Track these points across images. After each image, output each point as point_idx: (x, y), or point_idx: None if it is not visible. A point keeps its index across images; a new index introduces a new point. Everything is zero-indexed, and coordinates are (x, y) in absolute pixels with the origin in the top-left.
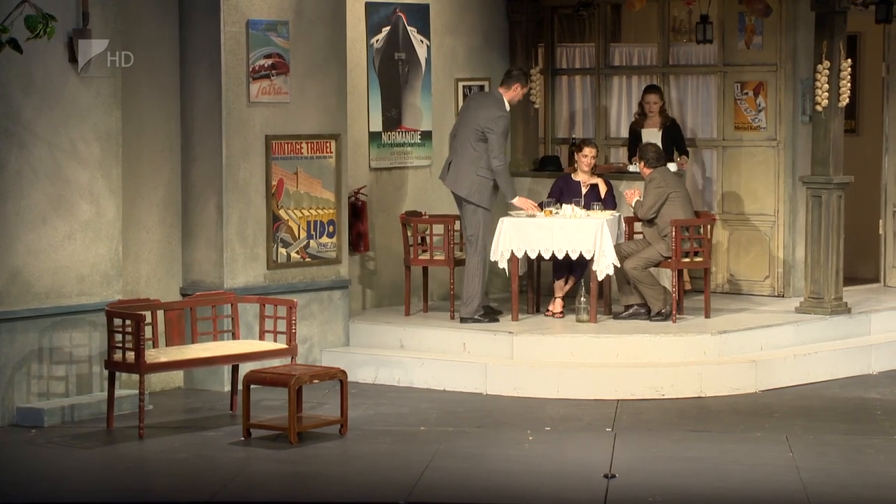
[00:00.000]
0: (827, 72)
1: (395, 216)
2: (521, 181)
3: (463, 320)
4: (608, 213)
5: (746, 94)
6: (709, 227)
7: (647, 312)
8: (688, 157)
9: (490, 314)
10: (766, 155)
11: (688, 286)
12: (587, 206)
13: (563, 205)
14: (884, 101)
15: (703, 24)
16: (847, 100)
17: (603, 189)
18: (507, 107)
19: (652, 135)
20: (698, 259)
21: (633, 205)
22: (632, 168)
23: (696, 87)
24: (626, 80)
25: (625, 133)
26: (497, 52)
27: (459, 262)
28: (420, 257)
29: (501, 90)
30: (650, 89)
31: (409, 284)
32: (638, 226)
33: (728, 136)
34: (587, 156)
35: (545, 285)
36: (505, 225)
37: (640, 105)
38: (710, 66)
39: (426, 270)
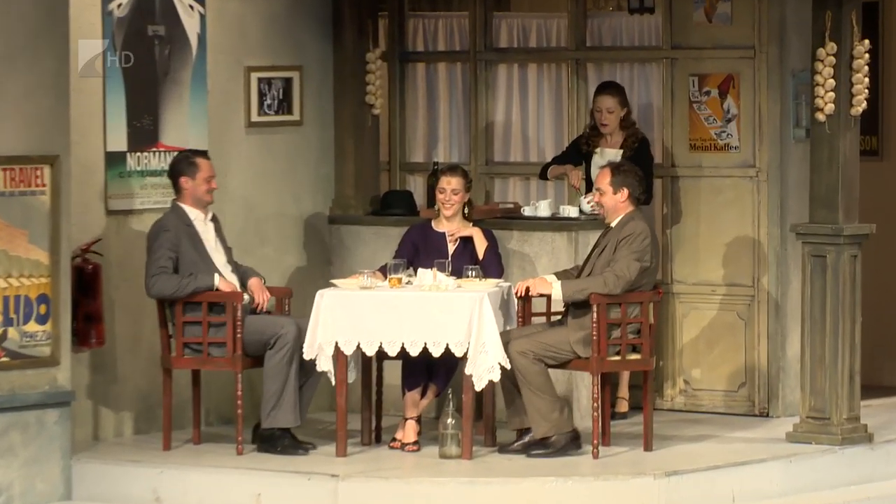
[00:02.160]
0: (833, 59)
1: None
2: (351, 231)
3: (262, 440)
4: (491, 283)
5: (708, 93)
6: (650, 306)
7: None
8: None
9: (293, 446)
10: (739, 190)
11: (622, 406)
12: (457, 272)
13: (420, 269)
14: None
15: None
16: (864, 104)
17: (481, 245)
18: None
19: (609, 158)
20: (634, 357)
21: (592, 205)
22: (542, 209)
23: (629, 81)
24: (521, 71)
25: (519, 154)
26: (312, 26)
27: (258, 361)
28: (188, 355)
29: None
30: (605, 89)
31: (169, 399)
32: (556, 303)
33: (680, 160)
34: (446, 190)
35: (390, 399)
36: (325, 301)
37: (591, 114)
38: (651, 48)
39: (198, 376)
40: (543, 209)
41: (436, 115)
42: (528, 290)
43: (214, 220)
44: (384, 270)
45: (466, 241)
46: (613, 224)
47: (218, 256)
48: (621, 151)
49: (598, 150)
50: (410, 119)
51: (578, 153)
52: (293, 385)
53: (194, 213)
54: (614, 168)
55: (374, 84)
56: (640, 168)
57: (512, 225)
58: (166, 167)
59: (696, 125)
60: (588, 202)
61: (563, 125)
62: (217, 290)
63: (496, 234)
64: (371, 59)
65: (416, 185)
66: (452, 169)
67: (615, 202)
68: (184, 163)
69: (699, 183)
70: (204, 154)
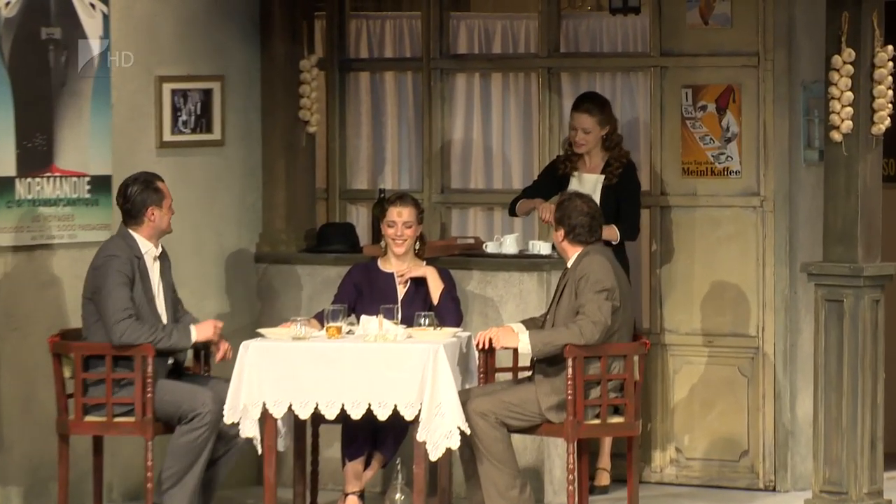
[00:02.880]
0: (850, 68)
1: (41, 340)
2: (281, 272)
3: None
4: (447, 333)
5: (703, 108)
6: (635, 359)
7: None
8: (624, 233)
9: None
10: (740, 223)
11: (603, 479)
12: (408, 320)
13: (363, 317)
14: None
15: None
16: (888, 121)
17: (436, 287)
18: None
19: (589, 187)
20: (617, 421)
21: (546, 220)
22: (508, 245)
23: (611, 93)
24: (483, 81)
25: (481, 180)
26: (236, 29)
27: (172, 428)
28: (89, 419)
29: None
30: (581, 105)
31: (66, 470)
32: (525, 356)
33: (671, 187)
34: (396, 223)
35: (328, 470)
36: (251, 355)
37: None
38: (636, 55)
39: (100, 444)
40: (510, 245)
41: (382, 134)
42: (491, 341)
43: (163, 257)
44: (321, 318)
45: (419, 283)
46: (569, 264)
47: (159, 303)
48: (602, 177)
49: (575, 173)
50: (352, 138)
51: (554, 180)
52: (200, 468)
53: (146, 246)
54: (558, 203)
55: (309, 97)
56: (626, 196)
57: (472, 264)
58: (63, 195)
59: (690, 146)
60: None
61: (533, 146)
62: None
63: (454, 275)
64: (306, 67)
65: (359, 217)
66: (402, 198)
67: (558, 242)
68: (149, 190)
69: (693, 214)
70: (159, 177)
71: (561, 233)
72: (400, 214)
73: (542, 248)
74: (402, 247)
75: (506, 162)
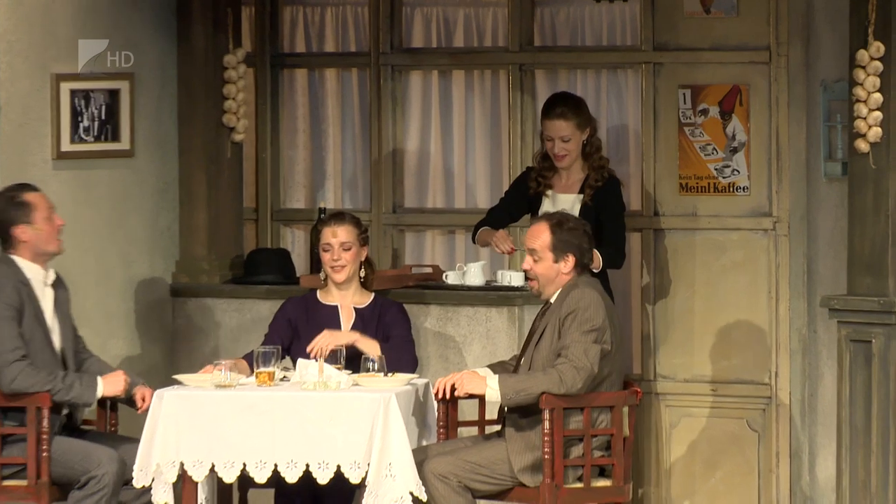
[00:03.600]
0: (879, 65)
1: None
2: (202, 307)
3: None
4: (401, 380)
5: (705, 112)
6: (624, 411)
7: None
8: (608, 259)
9: None
10: (749, 248)
11: None
12: (353, 365)
13: (300, 361)
14: None
15: None
16: None
17: (371, 348)
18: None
19: (566, 206)
20: (603, 484)
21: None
22: (473, 275)
23: (594, 95)
24: (443, 81)
25: (440, 197)
26: (149, 18)
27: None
28: None
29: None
30: (555, 108)
31: None
32: (493, 406)
33: (667, 206)
34: (332, 246)
35: None
36: (166, 406)
37: (542, 139)
38: (625, 49)
39: None
40: (474, 275)
41: (323, 143)
42: (453, 388)
43: (58, 284)
44: (249, 361)
45: (367, 319)
46: (553, 299)
47: (55, 339)
48: (581, 196)
49: (549, 192)
50: (287, 148)
51: (523, 199)
52: None
53: (32, 270)
54: (555, 224)
55: (235, 99)
56: (610, 216)
57: (430, 297)
58: None
59: (689, 157)
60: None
61: (502, 157)
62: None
63: (408, 311)
64: (231, 63)
65: (296, 242)
66: (337, 216)
67: (555, 272)
68: (11, 206)
69: (693, 238)
70: (28, 187)
71: (566, 261)
72: (335, 235)
73: (512, 278)
74: (342, 273)
75: (470, 176)
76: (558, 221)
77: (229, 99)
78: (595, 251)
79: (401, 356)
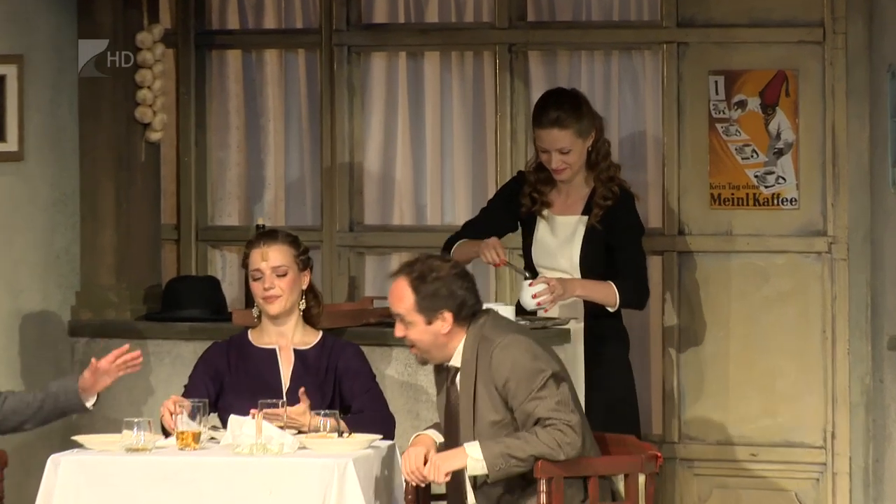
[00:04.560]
0: None
1: None
2: (110, 349)
3: None
4: (359, 442)
5: (742, 105)
6: (640, 481)
7: None
8: (626, 296)
9: None
10: (799, 276)
11: None
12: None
13: (233, 417)
14: None
15: None
16: None
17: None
18: None
19: (566, 233)
20: None
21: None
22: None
23: (603, 84)
24: (412, 65)
25: (408, 212)
26: None
27: None
28: None
29: None
30: (548, 113)
31: None
32: (473, 473)
33: (695, 223)
34: (263, 273)
35: None
36: (63, 474)
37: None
38: (642, 26)
39: None
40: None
41: (262, 143)
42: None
43: None
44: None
45: (312, 366)
46: (456, 361)
47: None
48: (585, 218)
49: (546, 212)
50: (217, 149)
51: (511, 216)
52: None
53: None
54: (416, 278)
55: (150, 88)
56: (624, 242)
57: (395, 338)
58: None
59: (723, 161)
60: (535, 295)
61: (486, 160)
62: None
63: (368, 355)
64: (146, 43)
65: (227, 268)
66: (269, 236)
67: (433, 335)
68: None
69: (728, 264)
70: None
71: (441, 320)
72: (265, 257)
73: (503, 312)
74: (276, 305)
75: (447, 186)
76: (420, 275)
77: (143, 88)
78: (608, 284)
79: (367, 411)
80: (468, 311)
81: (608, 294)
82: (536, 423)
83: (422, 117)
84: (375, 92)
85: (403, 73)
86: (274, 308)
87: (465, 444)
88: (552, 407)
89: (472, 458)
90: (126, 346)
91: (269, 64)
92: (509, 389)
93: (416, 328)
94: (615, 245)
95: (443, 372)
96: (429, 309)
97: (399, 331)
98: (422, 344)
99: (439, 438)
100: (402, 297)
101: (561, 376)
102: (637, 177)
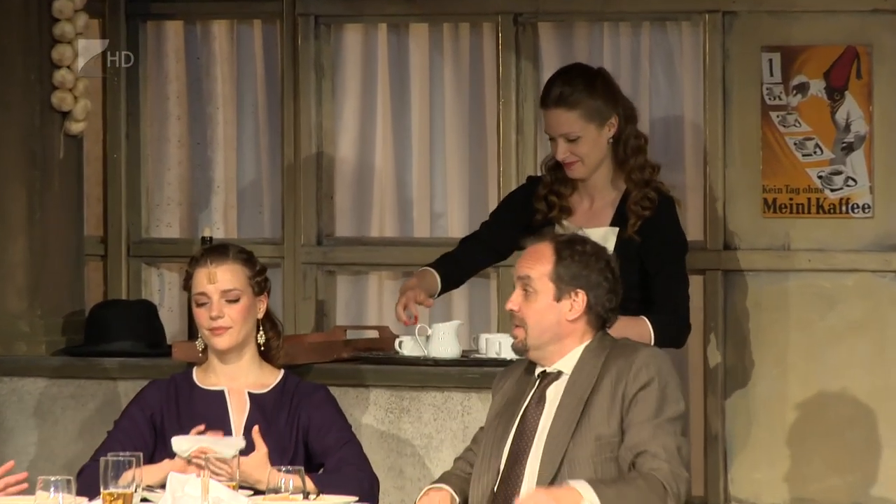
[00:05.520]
0: None
1: None
2: (19, 391)
3: None
4: None
5: (803, 88)
6: None
7: None
8: (662, 331)
9: None
10: (873, 301)
11: None
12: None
13: (173, 475)
14: None
15: None
16: None
17: (318, 428)
18: None
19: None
20: None
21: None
22: (442, 340)
23: (633, 63)
24: (395, 40)
25: (390, 223)
26: None
27: None
28: None
29: None
30: (553, 89)
31: None
32: None
33: (744, 236)
34: (210, 299)
35: None
36: None
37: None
38: None
39: None
40: (444, 341)
41: (209, 136)
42: None
43: None
44: (88, 475)
45: (271, 413)
46: (557, 367)
47: None
48: (615, 230)
49: (565, 221)
50: (153, 144)
51: (523, 227)
52: None
53: None
54: (564, 244)
55: (71, 68)
56: (663, 262)
57: (375, 376)
58: None
59: (779, 159)
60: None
61: (486, 157)
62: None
63: (339, 398)
64: (65, 12)
65: (167, 290)
66: (218, 252)
67: (554, 317)
68: None
69: (785, 285)
70: None
71: (572, 299)
72: (212, 279)
73: (502, 345)
74: (225, 338)
75: (437, 190)
76: (569, 241)
77: (62, 68)
78: (641, 319)
79: (350, 482)
80: (604, 311)
81: (641, 334)
82: (639, 455)
83: (406, 104)
84: (349, 73)
85: (384, 50)
86: (222, 342)
87: (575, 484)
88: (671, 448)
89: (588, 501)
90: (10, 464)
91: (217, 38)
92: (639, 399)
93: (538, 301)
94: (651, 267)
95: (524, 377)
96: (566, 281)
97: (514, 301)
98: (538, 325)
99: (456, 499)
100: (541, 258)
101: (686, 427)
102: (672, 178)
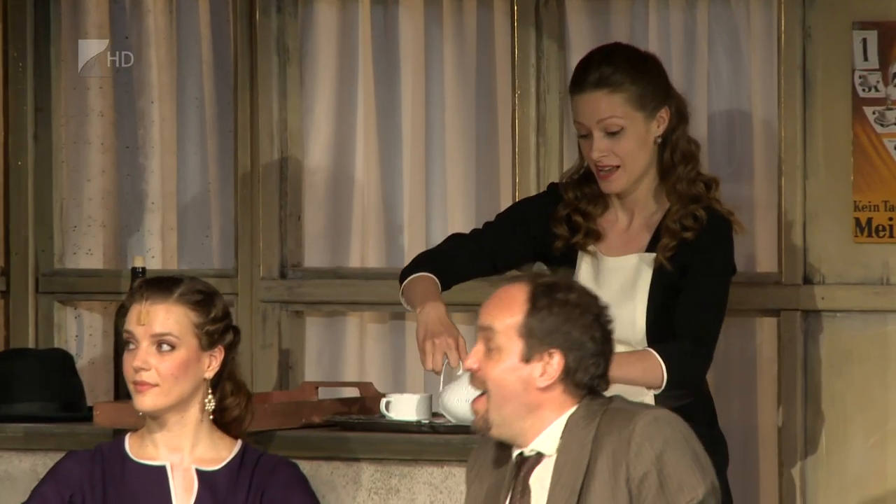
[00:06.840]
0: None
1: None
2: None
3: None
4: None
5: None
6: None
7: None
8: (675, 367)
9: None
10: None
11: None
12: None
13: None
14: None
15: None
16: None
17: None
18: None
19: (623, 277)
20: None
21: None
22: (443, 399)
23: (686, 47)
24: (381, 18)
25: (375, 252)
26: None
27: None
28: None
29: None
30: (591, 71)
31: None
32: None
33: (829, 266)
34: (139, 340)
35: None
36: None
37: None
38: None
39: None
40: (452, 403)
41: (143, 137)
42: None
43: None
44: None
45: (225, 499)
46: (541, 447)
47: None
48: (652, 256)
49: (592, 247)
50: (69, 147)
51: (528, 244)
52: None
53: None
54: (542, 289)
55: None
56: (700, 285)
57: (356, 447)
58: None
59: (875, 166)
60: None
61: (497, 162)
62: None
63: (311, 476)
64: None
65: (85, 335)
66: (165, 285)
67: (521, 384)
68: None
69: (884, 331)
70: None
71: (555, 363)
72: (143, 318)
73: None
74: (147, 399)
75: (435, 203)
76: (550, 285)
77: None
78: (648, 353)
79: None
80: (588, 379)
81: (648, 371)
82: None
83: (395, 97)
84: (322, 58)
85: (366, 30)
86: (144, 402)
87: None
88: None
89: None
90: None
91: (152, 12)
92: (645, 488)
93: (502, 361)
94: (687, 286)
95: (501, 455)
96: (539, 337)
97: (473, 359)
98: (499, 392)
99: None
100: (509, 305)
101: (716, 497)
102: (735, 190)
